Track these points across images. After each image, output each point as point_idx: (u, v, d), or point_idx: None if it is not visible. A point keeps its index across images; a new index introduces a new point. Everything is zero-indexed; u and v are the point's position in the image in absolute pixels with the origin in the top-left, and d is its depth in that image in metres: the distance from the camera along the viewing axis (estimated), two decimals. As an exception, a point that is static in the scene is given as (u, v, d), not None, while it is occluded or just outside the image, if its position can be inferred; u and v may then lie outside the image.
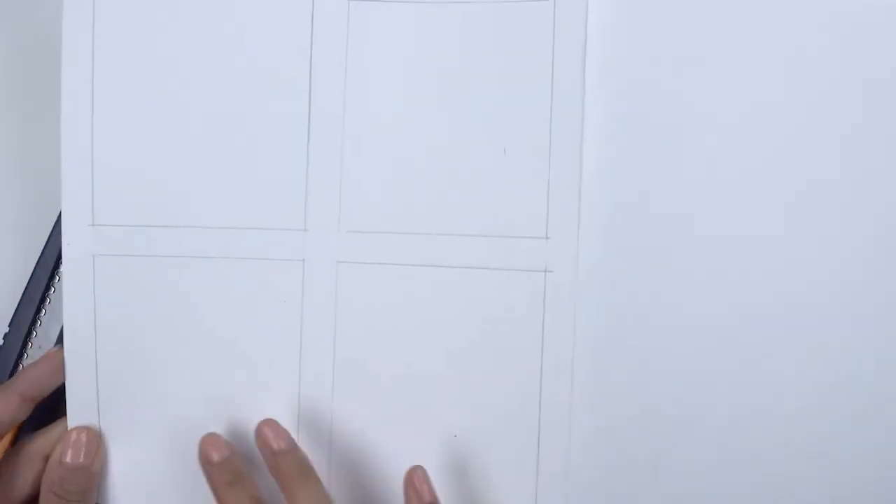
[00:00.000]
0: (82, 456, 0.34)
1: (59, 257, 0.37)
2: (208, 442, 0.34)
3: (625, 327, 0.35)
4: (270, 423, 0.34)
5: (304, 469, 0.33)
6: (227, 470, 0.33)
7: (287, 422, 0.35)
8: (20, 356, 0.37)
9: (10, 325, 0.37)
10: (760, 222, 0.36)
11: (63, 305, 0.35)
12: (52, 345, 0.37)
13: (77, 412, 0.35)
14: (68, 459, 0.34)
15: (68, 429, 0.35)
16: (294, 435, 0.35)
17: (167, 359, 0.36)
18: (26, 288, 0.37)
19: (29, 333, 0.37)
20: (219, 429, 0.35)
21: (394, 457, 0.35)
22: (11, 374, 0.37)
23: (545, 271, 0.35)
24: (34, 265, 0.37)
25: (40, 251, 0.37)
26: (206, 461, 0.33)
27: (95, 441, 0.35)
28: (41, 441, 0.35)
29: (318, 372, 0.35)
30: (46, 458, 0.34)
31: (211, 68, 0.35)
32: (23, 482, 0.34)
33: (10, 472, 0.34)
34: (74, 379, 0.35)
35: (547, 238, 0.35)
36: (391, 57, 0.35)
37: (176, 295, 0.35)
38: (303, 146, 0.35)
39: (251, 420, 0.35)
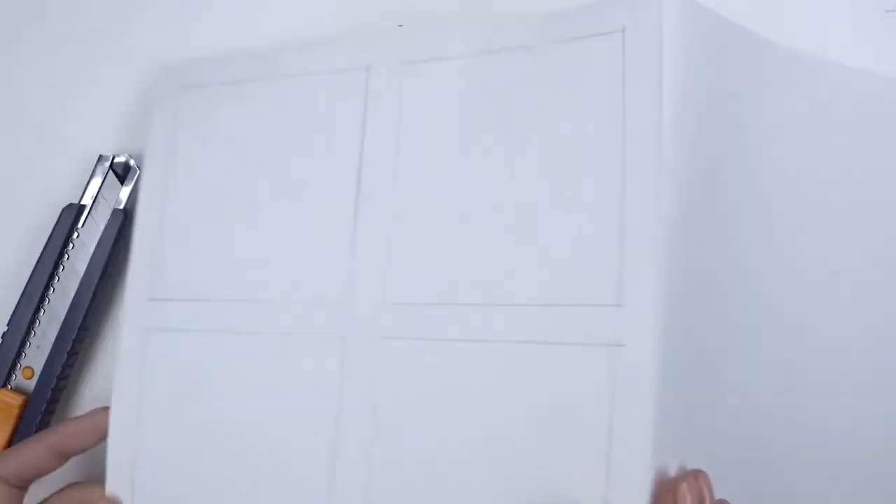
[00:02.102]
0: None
1: (60, 257, 0.37)
2: None
3: (704, 415, 0.29)
4: None
5: None
6: None
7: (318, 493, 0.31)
8: (18, 356, 0.37)
9: (8, 325, 0.37)
10: (844, 300, 0.32)
11: (114, 375, 0.35)
12: (50, 345, 0.37)
13: (115, 478, 0.34)
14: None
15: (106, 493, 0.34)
16: None
17: (208, 431, 0.34)
18: (25, 288, 0.37)
19: (27, 333, 0.37)
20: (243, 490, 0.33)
21: None
22: (9, 373, 0.37)
23: (616, 345, 0.28)
24: (34, 265, 0.37)
25: (40, 251, 0.37)
26: None
27: None
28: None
29: (354, 461, 0.31)
30: None
31: (266, 152, 0.35)
32: None
33: None
34: (116, 445, 0.34)
35: (619, 306, 0.28)
36: (443, 117, 0.32)
37: (218, 369, 0.34)
38: (350, 213, 0.33)
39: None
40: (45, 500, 0.33)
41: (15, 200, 0.39)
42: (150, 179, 0.36)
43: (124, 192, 0.38)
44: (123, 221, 0.37)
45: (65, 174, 0.39)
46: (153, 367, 0.34)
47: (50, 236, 0.37)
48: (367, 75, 0.34)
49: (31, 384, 0.37)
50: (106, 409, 0.34)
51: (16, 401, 0.36)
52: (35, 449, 0.34)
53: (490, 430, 0.29)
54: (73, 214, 0.37)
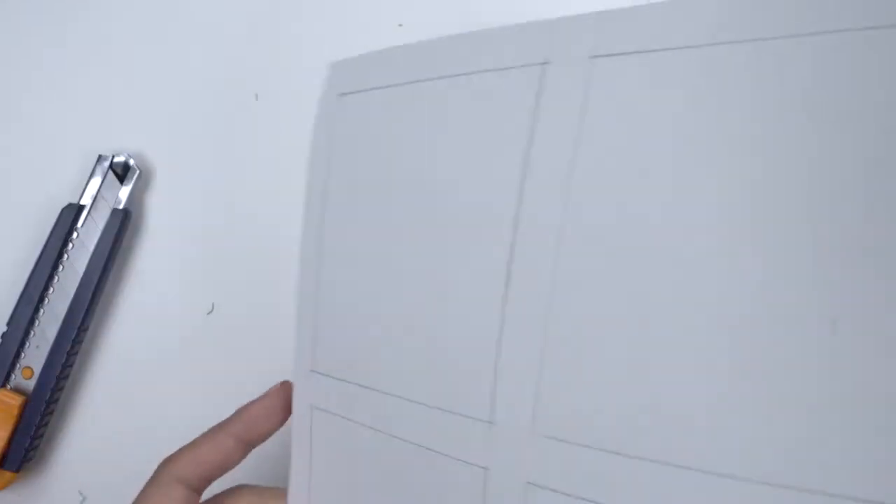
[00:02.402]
0: None
1: (59, 257, 0.37)
2: None
3: None
4: None
5: None
6: None
7: None
8: (18, 355, 0.37)
9: (8, 324, 0.37)
10: None
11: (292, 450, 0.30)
12: (50, 345, 0.37)
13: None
14: None
15: None
16: None
17: None
18: (25, 287, 0.37)
19: (27, 333, 0.37)
20: None
21: None
22: (9, 373, 0.37)
23: None
24: (33, 265, 0.37)
25: (39, 251, 0.37)
26: None
27: None
28: None
29: None
30: None
31: (422, 220, 0.26)
32: None
33: None
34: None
35: None
36: (651, 133, 0.20)
37: (371, 468, 0.27)
38: (498, 296, 0.23)
39: None
40: (210, 500, 0.30)
41: (15, 200, 0.39)
42: (309, 223, 0.29)
43: (124, 191, 0.38)
44: (123, 221, 0.37)
45: (64, 174, 0.39)
46: (320, 449, 0.29)
47: (49, 236, 0.37)
48: (541, 73, 0.23)
49: (30, 384, 0.37)
50: (288, 382, 0.30)
51: (15, 401, 0.36)
52: (218, 442, 0.30)
53: None
54: (72, 214, 0.37)
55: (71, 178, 0.39)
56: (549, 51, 0.23)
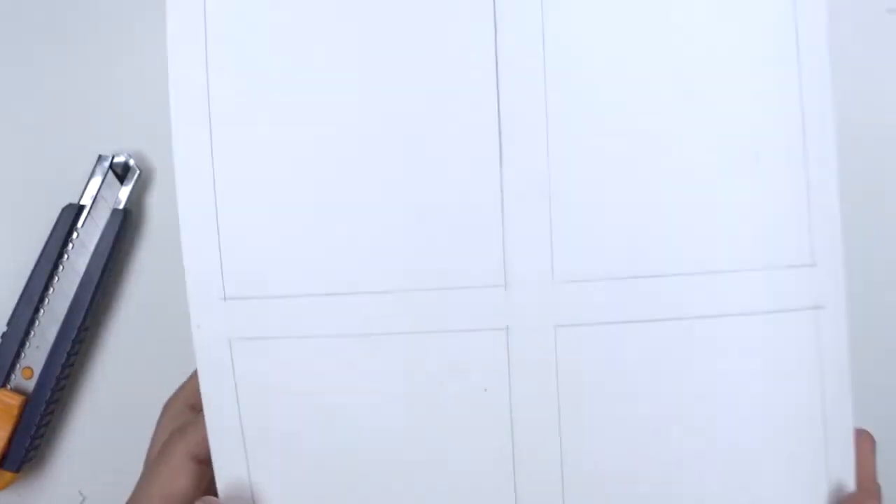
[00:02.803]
0: None
1: (59, 257, 0.37)
2: None
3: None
4: None
5: None
6: None
7: None
8: (17, 356, 0.37)
9: (8, 325, 0.37)
10: None
11: (202, 393, 0.27)
12: (50, 345, 0.37)
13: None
14: None
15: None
16: None
17: (333, 468, 0.26)
18: (25, 288, 0.37)
19: (27, 334, 0.37)
20: None
21: None
22: (9, 373, 0.37)
23: (816, 308, 0.25)
24: (33, 265, 0.37)
25: (39, 251, 0.37)
26: None
27: None
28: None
29: (540, 487, 0.25)
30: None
31: (358, 86, 0.26)
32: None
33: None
34: (223, 469, 0.27)
35: (814, 265, 0.25)
36: (600, 34, 0.25)
37: (338, 386, 0.26)
38: (494, 167, 0.25)
39: None
40: None
41: (15, 200, 0.39)
42: (183, 119, 0.26)
43: (124, 191, 0.38)
44: (123, 221, 0.37)
45: (65, 174, 0.39)
46: (248, 386, 0.27)
47: (49, 236, 0.37)
48: None
49: (30, 384, 0.37)
50: None
51: (15, 401, 0.36)
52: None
53: (696, 431, 0.25)
54: (72, 214, 0.37)
55: (71, 178, 0.39)
56: None
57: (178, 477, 0.30)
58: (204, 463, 0.30)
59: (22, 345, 0.37)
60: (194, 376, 0.30)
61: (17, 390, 0.37)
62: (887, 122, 0.39)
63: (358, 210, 0.26)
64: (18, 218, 0.39)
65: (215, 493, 0.30)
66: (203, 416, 0.29)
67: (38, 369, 0.37)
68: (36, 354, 0.37)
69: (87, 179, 0.38)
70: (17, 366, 0.37)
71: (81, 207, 0.37)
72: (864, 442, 0.27)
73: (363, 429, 0.26)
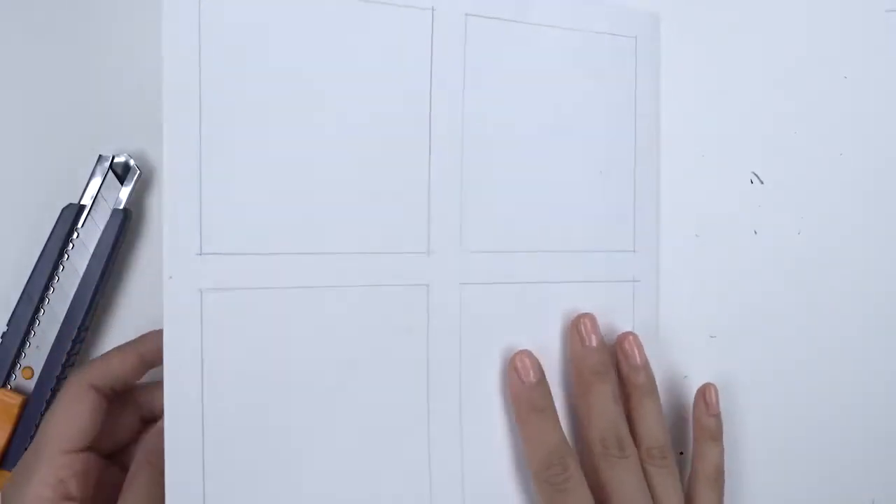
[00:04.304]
0: None
1: (59, 257, 0.37)
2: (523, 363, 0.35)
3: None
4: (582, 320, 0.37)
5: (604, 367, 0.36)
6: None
7: (419, 461, 0.34)
8: (18, 355, 0.37)
9: (8, 325, 0.37)
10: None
11: (165, 344, 0.30)
12: (50, 345, 0.37)
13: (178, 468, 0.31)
14: None
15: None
16: (426, 469, 0.34)
17: (284, 397, 0.32)
18: (25, 288, 0.37)
19: (27, 333, 0.37)
20: (346, 483, 0.33)
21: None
22: (9, 373, 0.37)
23: (634, 281, 0.37)
24: (33, 265, 0.37)
25: (40, 251, 0.37)
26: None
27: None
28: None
29: (445, 398, 0.35)
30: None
31: (329, 89, 0.33)
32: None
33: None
34: (174, 430, 0.31)
35: (634, 252, 0.37)
36: (505, 80, 0.36)
37: (293, 328, 0.32)
38: (423, 166, 0.34)
39: (379, 458, 0.34)
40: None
41: (15, 200, 0.39)
42: (174, 105, 0.31)
43: (124, 192, 0.38)
44: (123, 221, 0.37)
45: (65, 174, 0.39)
46: (213, 332, 0.31)
47: (50, 236, 0.37)
48: (431, 17, 0.35)
49: (30, 384, 0.37)
50: None
51: (15, 401, 0.36)
52: (126, 357, 0.34)
53: (551, 360, 0.36)
54: (72, 214, 0.37)
55: (71, 178, 0.39)
56: (434, 2, 0.34)
57: (77, 404, 0.33)
58: (102, 393, 0.33)
59: (22, 345, 0.37)
60: (101, 358, 0.34)
61: (16, 390, 0.37)
62: (887, 121, 0.39)
63: (320, 187, 0.33)
64: (18, 218, 0.39)
65: (119, 425, 0.35)
66: (107, 355, 0.34)
67: (38, 369, 0.37)
68: (36, 354, 0.37)
69: (87, 179, 0.38)
70: (17, 366, 0.37)
71: (81, 207, 0.37)
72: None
73: (313, 361, 0.33)
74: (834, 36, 0.39)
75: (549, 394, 0.35)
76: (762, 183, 0.39)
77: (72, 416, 0.33)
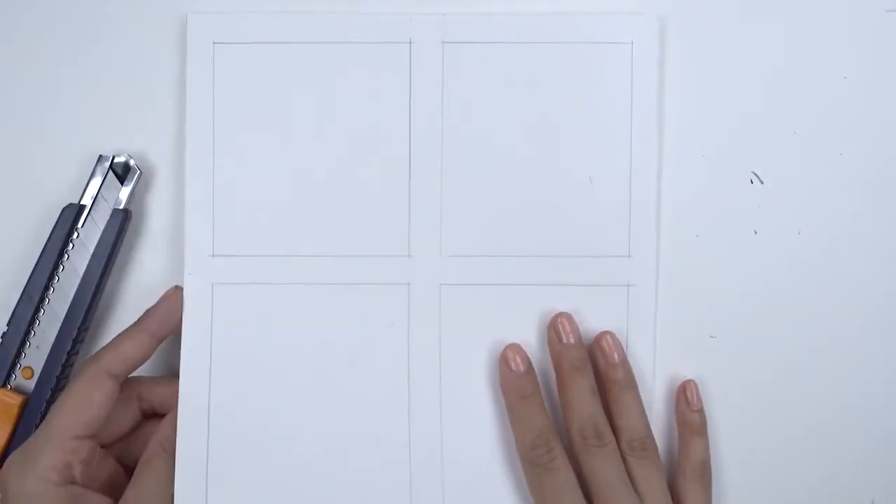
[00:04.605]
0: None
1: (59, 257, 0.37)
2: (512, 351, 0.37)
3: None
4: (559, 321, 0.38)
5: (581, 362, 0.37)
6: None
7: (398, 442, 0.37)
8: (18, 355, 0.37)
9: (8, 325, 0.37)
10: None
11: (183, 329, 0.37)
12: (50, 345, 0.37)
13: (187, 427, 0.37)
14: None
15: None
16: (406, 453, 0.38)
17: (279, 380, 0.37)
18: (25, 288, 0.37)
19: (27, 333, 0.37)
20: (333, 468, 0.38)
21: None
22: (9, 373, 0.37)
23: (628, 286, 0.38)
24: (33, 265, 0.37)
25: (40, 251, 0.37)
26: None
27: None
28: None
29: (425, 388, 0.38)
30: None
31: (320, 117, 0.38)
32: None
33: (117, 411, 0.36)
34: (187, 393, 0.37)
35: (630, 257, 0.38)
36: (483, 95, 0.38)
37: (290, 318, 0.38)
38: (404, 181, 0.38)
39: (363, 447, 0.37)
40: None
41: (15, 200, 0.39)
42: (195, 137, 0.38)
43: (124, 192, 0.38)
44: (123, 221, 0.37)
45: (65, 174, 0.39)
46: (221, 318, 0.37)
47: (50, 236, 0.37)
48: (409, 49, 0.38)
49: (30, 384, 0.37)
50: (178, 287, 0.38)
51: (15, 401, 0.36)
52: (136, 338, 0.36)
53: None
54: (72, 214, 0.37)
55: (71, 178, 0.39)
56: (413, 33, 0.38)
57: (93, 391, 0.34)
58: (118, 379, 0.35)
59: (22, 345, 0.37)
60: (113, 344, 0.36)
61: (16, 390, 0.37)
62: (887, 121, 0.39)
63: (315, 200, 0.38)
64: (18, 218, 0.39)
65: (120, 417, 0.36)
66: (118, 341, 0.36)
67: (38, 369, 0.37)
68: (36, 354, 0.37)
69: (87, 179, 0.38)
70: (17, 366, 0.37)
71: (81, 207, 0.37)
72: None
73: (305, 344, 0.38)
74: (834, 36, 0.39)
75: (537, 383, 0.37)
76: (762, 183, 0.39)
77: (87, 403, 0.34)
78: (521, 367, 0.36)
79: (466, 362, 0.38)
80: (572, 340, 0.37)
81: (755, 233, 0.39)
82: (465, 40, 0.38)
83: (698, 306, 0.39)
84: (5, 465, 0.33)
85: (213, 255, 0.38)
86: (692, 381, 0.38)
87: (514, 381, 0.36)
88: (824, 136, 0.39)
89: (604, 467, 0.35)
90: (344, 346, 0.38)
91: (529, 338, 0.38)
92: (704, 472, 0.37)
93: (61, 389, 0.38)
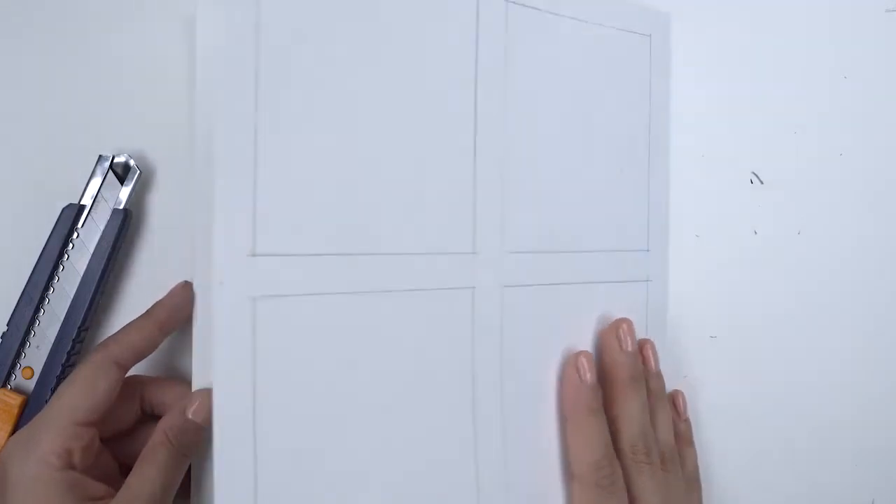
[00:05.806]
0: (203, 418, 0.33)
1: (59, 257, 0.37)
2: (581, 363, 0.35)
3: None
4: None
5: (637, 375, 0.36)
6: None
7: (463, 458, 0.34)
8: (18, 355, 0.37)
9: (8, 325, 0.37)
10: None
11: (214, 356, 0.30)
12: (50, 345, 0.37)
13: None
14: (191, 416, 0.33)
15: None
16: (472, 466, 0.34)
17: (333, 411, 0.32)
18: (25, 288, 0.37)
19: (27, 333, 0.37)
20: (386, 479, 0.33)
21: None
22: (9, 373, 0.37)
23: (647, 281, 0.38)
24: (33, 265, 0.37)
25: (40, 251, 0.37)
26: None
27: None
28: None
29: (489, 388, 0.35)
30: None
31: (379, 97, 0.33)
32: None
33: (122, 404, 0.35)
34: (227, 443, 0.30)
35: (648, 251, 0.37)
36: (539, 72, 0.36)
37: (343, 333, 0.32)
38: (469, 170, 0.34)
39: (423, 461, 0.33)
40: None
41: (15, 200, 0.39)
42: (229, 119, 0.30)
43: (124, 192, 0.38)
44: (123, 221, 0.37)
45: (65, 174, 0.39)
46: (265, 343, 0.30)
47: (50, 236, 0.37)
48: (475, 15, 0.34)
49: (30, 384, 0.37)
50: (187, 282, 0.35)
51: (15, 401, 0.36)
52: (145, 329, 0.35)
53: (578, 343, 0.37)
54: (72, 214, 0.37)
55: (71, 178, 0.39)
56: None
57: (99, 379, 0.34)
58: (124, 369, 0.34)
59: (22, 345, 0.37)
60: (121, 334, 0.35)
61: (16, 390, 0.37)
62: (887, 121, 0.39)
63: (371, 188, 0.32)
64: (18, 218, 0.39)
65: (122, 412, 0.35)
66: (126, 331, 0.35)
67: (38, 369, 0.37)
68: (36, 354, 0.37)
69: (87, 179, 0.38)
70: (17, 366, 0.37)
71: (81, 207, 0.37)
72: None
73: (362, 370, 0.32)
74: (834, 36, 0.39)
75: (601, 396, 0.35)
76: (762, 183, 0.39)
77: (91, 390, 0.33)
78: (591, 379, 0.35)
79: (525, 373, 0.35)
80: (631, 349, 0.35)
81: (755, 233, 0.39)
82: (526, 3, 0.36)
83: (698, 306, 0.39)
84: (6, 447, 0.33)
85: (253, 255, 0.30)
86: (680, 391, 0.38)
87: (583, 392, 0.35)
88: (824, 136, 0.39)
89: (650, 485, 0.34)
90: (402, 364, 0.33)
91: (577, 341, 0.36)
92: (696, 479, 0.37)
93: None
